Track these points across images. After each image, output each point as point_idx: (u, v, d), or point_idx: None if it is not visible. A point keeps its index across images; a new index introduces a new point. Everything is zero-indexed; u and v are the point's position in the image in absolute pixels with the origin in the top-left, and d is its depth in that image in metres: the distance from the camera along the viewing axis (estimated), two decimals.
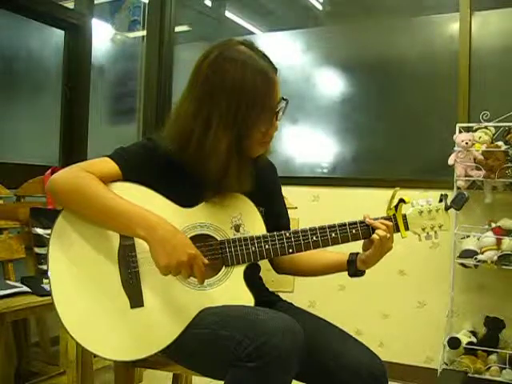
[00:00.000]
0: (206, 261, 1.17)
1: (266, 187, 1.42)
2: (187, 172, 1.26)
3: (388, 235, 1.27)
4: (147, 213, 1.16)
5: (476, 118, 2.48)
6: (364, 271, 1.36)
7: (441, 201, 1.33)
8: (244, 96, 1.18)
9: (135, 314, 1.20)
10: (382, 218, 1.31)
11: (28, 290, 1.97)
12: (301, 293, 1.87)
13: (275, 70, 1.26)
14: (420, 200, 1.33)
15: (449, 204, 1.32)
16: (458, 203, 1.31)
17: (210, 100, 1.21)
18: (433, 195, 1.37)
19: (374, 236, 1.27)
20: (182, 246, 1.13)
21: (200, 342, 1.17)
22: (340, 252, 1.34)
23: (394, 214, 1.31)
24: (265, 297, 1.38)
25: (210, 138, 1.20)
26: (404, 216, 1.31)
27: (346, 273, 1.37)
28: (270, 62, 1.25)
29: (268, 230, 1.29)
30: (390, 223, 1.29)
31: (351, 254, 1.36)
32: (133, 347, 1.19)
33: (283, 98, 1.27)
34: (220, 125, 1.20)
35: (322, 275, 1.44)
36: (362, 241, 1.32)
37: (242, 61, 1.20)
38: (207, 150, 1.21)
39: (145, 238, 1.14)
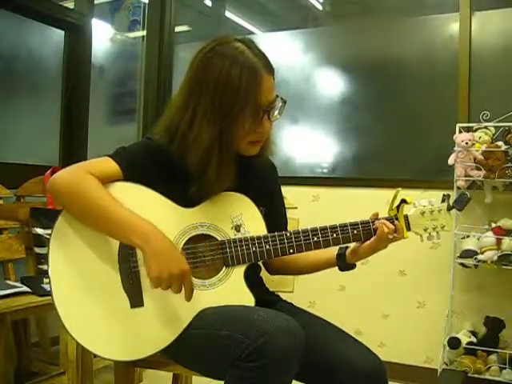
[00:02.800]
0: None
1: (267, 187, 1.42)
2: (188, 171, 1.25)
3: (395, 235, 1.28)
4: (144, 222, 1.16)
5: (476, 118, 2.48)
6: (355, 264, 1.36)
7: (443, 201, 1.33)
8: (228, 90, 1.18)
9: (135, 313, 1.20)
10: (383, 218, 1.31)
11: (28, 289, 1.96)
12: (301, 293, 1.87)
13: (270, 69, 1.24)
14: (422, 200, 1.32)
15: (451, 204, 1.32)
16: (461, 204, 1.31)
17: (197, 93, 1.21)
18: (433, 195, 1.37)
19: (382, 228, 1.26)
20: (175, 260, 1.13)
21: (200, 341, 1.17)
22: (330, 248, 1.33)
23: (395, 215, 1.31)
24: (265, 297, 1.38)
25: (194, 130, 1.21)
26: (406, 217, 1.31)
27: (346, 272, 1.38)
28: (266, 61, 1.23)
29: (267, 230, 1.28)
30: (399, 227, 1.29)
31: (340, 247, 1.35)
32: (133, 347, 1.19)
33: (281, 98, 1.26)
34: (204, 118, 1.20)
35: (312, 272, 1.44)
36: None
37: (231, 56, 1.20)
38: (190, 142, 1.21)
39: (140, 247, 1.14)
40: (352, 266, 1.36)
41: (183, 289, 1.14)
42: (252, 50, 1.22)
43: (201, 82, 1.21)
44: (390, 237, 1.28)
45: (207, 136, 1.20)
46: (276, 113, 1.26)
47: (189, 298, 1.15)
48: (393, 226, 1.28)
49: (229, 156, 1.23)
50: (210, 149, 1.20)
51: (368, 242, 1.29)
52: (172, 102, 1.29)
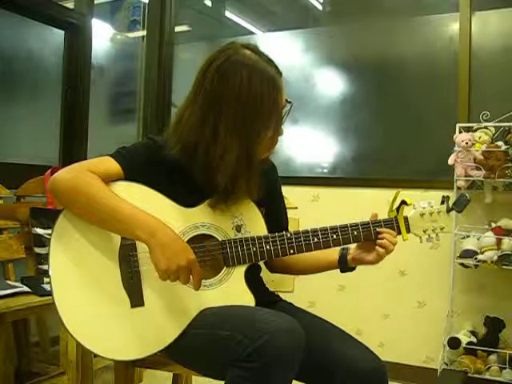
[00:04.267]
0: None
1: (267, 187, 1.42)
2: (188, 172, 1.25)
3: (392, 247, 1.29)
4: (148, 216, 1.16)
5: (476, 118, 2.48)
6: (355, 267, 1.37)
7: (442, 203, 1.33)
8: (251, 103, 1.17)
9: (135, 313, 1.20)
10: (383, 220, 1.31)
11: (28, 290, 1.96)
12: (301, 293, 1.87)
13: (280, 74, 1.25)
14: (421, 202, 1.33)
15: (450, 206, 1.32)
16: (460, 205, 1.31)
17: (217, 108, 1.19)
18: (433, 195, 1.38)
19: (379, 249, 1.28)
20: (182, 251, 1.13)
21: (200, 342, 1.17)
22: (330, 249, 1.33)
23: (395, 216, 1.31)
24: (265, 297, 1.38)
25: (219, 148, 1.19)
26: (406, 218, 1.32)
27: (345, 272, 1.38)
28: (276, 67, 1.25)
29: (267, 231, 1.29)
30: (395, 236, 1.29)
31: (342, 249, 1.36)
32: (133, 347, 1.19)
33: (287, 101, 1.26)
34: (227, 134, 1.19)
35: (313, 273, 1.45)
36: None
37: (248, 67, 1.19)
38: (215, 162, 1.21)
39: (145, 242, 1.14)
40: (353, 268, 1.37)
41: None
42: (262, 58, 1.23)
43: (220, 96, 1.19)
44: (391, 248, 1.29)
45: (234, 152, 1.19)
46: (285, 116, 1.27)
47: (197, 287, 1.16)
48: (392, 247, 1.28)
49: (255, 168, 1.23)
50: (238, 166, 1.20)
51: (372, 257, 1.30)
52: (184, 113, 1.25)
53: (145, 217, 1.16)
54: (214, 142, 1.20)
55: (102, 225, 1.20)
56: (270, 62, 1.25)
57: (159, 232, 1.14)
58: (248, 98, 1.17)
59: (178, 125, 1.26)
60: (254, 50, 1.24)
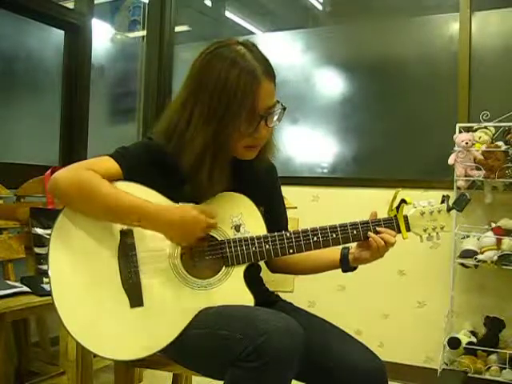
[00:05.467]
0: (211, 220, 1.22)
1: (266, 187, 1.42)
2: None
3: (388, 247, 1.28)
4: (150, 204, 1.19)
5: (476, 118, 2.48)
6: (356, 266, 1.36)
7: (442, 202, 1.33)
8: (225, 92, 1.17)
9: (135, 313, 1.20)
10: (383, 219, 1.31)
11: (28, 290, 1.96)
12: (301, 293, 1.87)
13: (270, 73, 1.22)
14: (421, 201, 1.33)
15: (450, 205, 1.32)
16: (460, 204, 1.31)
17: (196, 93, 1.21)
18: (433, 195, 1.37)
19: (373, 243, 1.27)
20: (192, 222, 1.18)
21: (200, 341, 1.17)
22: (331, 249, 1.33)
23: (395, 215, 1.31)
24: (265, 297, 1.38)
25: (190, 131, 1.21)
26: (405, 217, 1.31)
27: (346, 272, 1.38)
28: (266, 66, 1.22)
29: (267, 230, 1.29)
30: (393, 235, 1.29)
31: (343, 248, 1.35)
32: (132, 347, 1.19)
33: (281, 105, 1.25)
34: (200, 118, 1.20)
35: (314, 273, 1.44)
36: None
37: (231, 58, 1.19)
38: (184, 142, 1.22)
39: (154, 229, 1.19)
40: (355, 268, 1.37)
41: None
42: (253, 54, 1.22)
43: (200, 82, 1.21)
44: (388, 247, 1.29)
45: (202, 137, 1.20)
46: (275, 119, 1.25)
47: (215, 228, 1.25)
48: (383, 243, 1.28)
49: (222, 159, 1.23)
50: (204, 150, 1.20)
51: (368, 254, 1.30)
52: (172, 102, 1.29)
53: (146, 204, 1.19)
54: (187, 125, 1.22)
55: (104, 217, 1.21)
56: (261, 59, 1.22)
57: (162, 215, 1.18)
58: (223, 87, 1.17)
59: (164, 114, 1.29)
60: (248, 46, 1.23)
